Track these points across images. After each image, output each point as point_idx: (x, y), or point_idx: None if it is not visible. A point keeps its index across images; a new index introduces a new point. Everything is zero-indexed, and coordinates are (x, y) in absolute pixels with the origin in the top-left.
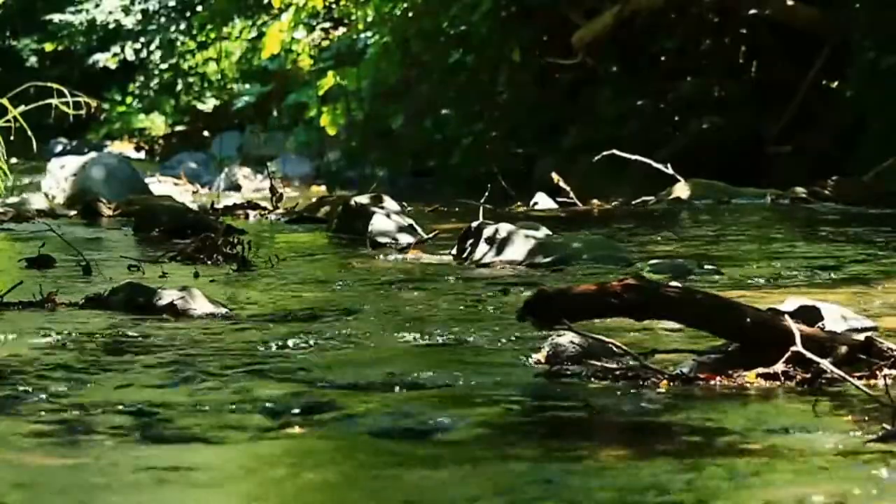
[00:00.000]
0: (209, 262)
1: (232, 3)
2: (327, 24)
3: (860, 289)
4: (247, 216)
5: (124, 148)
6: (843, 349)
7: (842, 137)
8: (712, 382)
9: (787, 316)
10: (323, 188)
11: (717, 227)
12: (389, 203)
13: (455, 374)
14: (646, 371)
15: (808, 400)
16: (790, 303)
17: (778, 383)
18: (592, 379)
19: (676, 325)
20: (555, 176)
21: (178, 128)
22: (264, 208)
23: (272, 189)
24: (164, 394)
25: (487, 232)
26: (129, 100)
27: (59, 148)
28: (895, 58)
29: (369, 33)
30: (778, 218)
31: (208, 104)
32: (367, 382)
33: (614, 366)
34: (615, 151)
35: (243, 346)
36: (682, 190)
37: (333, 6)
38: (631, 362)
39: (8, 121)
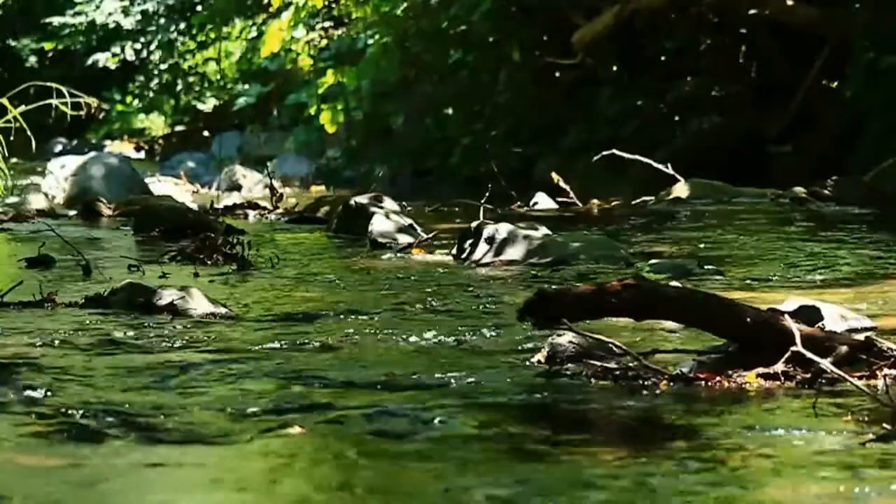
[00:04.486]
0: (209, 262)
1: (231, 2)
2: (327, 24)
3: (860, 289)
4: (247, 216)
5: (124, 148)
6: (843, 349)
7: (842, 137)
8: (712, 382)
9: (787, 316)
10: (322, 188)
11: (718, 227)
12: (389, 203)
13: (455, 374)
14: (646, 371)
15: (808, 400)
16: (790, 303)
17: (778, 383)
18: (592, 379)
19: (676, 325)
20: (555, 176)
21: (178, 128)
22: (264, 208)
23: (272, 189)
24: (164, 394)
25: (487, 232)
26: (129, 100)
27: (59, 148)
28: (895, 58)
29: (369, 32)
30: (778, 218)
31: (208, 104)
32: (367, 382)
33: (614, 366)
34: (615, 151)
35: (243, 346)
36: (681, 190)
37: (333, 5)
38: (631, 362)
39: (8, 121)
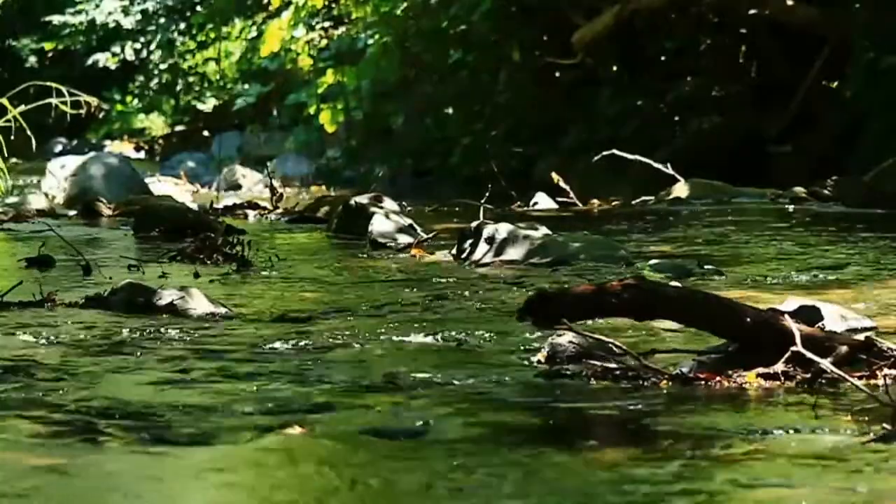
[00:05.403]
0: (209, 262)
1: (231, 2)
2: (327, 24)
3: (860, 289)
4: (247, 216)
5: (124, 148)
6: (843, 349)
7: (842, 137)
8: (712, 382)
9: (787, 316)
10: (323, 188)
11: (717, 227)
12: (389, 203)
13: (455, 374)
14: (646, 371)
15: (808, 400)
16: (790, 303)
17: (778, 383)
18: (592, 379)
19: (676, 325)
20: (555, 176)
21: (178, 128)
22: (264, 208)
23: (272, 189)
24: (164, 394)
25: (487, 232)
26: (129, 100)
27: (59, 148)
28: (895, 58)
29: (369, 32)
30: (778, 218)
31: (208, 104)
32: (367, 382)
33: (614, 366)
34: (615, 151)
35: (243, 346)
36: (681, 190)
37: (333, 5)
38: (631, 362)
39: (8, 121)
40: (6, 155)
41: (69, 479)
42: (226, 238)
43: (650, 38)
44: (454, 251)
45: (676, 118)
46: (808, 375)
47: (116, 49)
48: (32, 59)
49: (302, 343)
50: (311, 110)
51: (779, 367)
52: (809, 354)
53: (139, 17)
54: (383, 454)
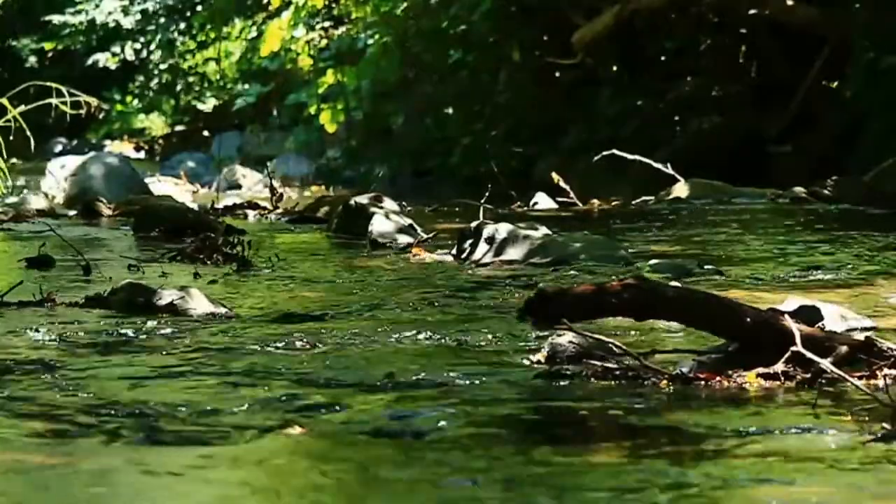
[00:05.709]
0: (209, 262)
1: (231, 2)
2: (327, 24)
3: (860, 289)
4: (247, 216)
5: (124, 148)
6: (843, 349)
7: (842, 137)
8: (712, 382)
9: (787, 316)
10: (323, 188)
11: (717, 227)
12: (389, 203)
13: (455, 374)
14: (646, 371)
15: (808, 400)
16: (790, 303)
17: (778, 383)
18: (592, 379)
19: (676, 325)
20: (555, 176)
21: (178, 128)
22: (264, 208)
23: (272, 189)
24: (164, 394)
25: (487, 232)
26: (128, 100)
27: (59, 148)
28: (895, 58)
29: (369, 32)
30: (778, 218)
31: (208, 104)
32: (367, 382)
33: (614, 366)
34: (615, 151)
35: (243, 346)
36: (681, 190)
37: (333, 5)
38: (631, 362)
39: (8, 121)
40: (6, 155)
41: (68, 478)
42: (226, 238)
43: (650, 38)
44: (454, 251)
45: (676, 118)
46: (808, 375)
47: (116, 49)
48: (32, 59)
49: (302, 343)
50: (312, 110)
51: (779, 367)
52: (809, 354)
53: (139, 17)
54: (383, 454)
